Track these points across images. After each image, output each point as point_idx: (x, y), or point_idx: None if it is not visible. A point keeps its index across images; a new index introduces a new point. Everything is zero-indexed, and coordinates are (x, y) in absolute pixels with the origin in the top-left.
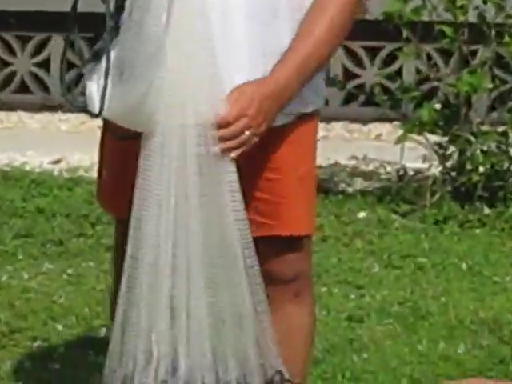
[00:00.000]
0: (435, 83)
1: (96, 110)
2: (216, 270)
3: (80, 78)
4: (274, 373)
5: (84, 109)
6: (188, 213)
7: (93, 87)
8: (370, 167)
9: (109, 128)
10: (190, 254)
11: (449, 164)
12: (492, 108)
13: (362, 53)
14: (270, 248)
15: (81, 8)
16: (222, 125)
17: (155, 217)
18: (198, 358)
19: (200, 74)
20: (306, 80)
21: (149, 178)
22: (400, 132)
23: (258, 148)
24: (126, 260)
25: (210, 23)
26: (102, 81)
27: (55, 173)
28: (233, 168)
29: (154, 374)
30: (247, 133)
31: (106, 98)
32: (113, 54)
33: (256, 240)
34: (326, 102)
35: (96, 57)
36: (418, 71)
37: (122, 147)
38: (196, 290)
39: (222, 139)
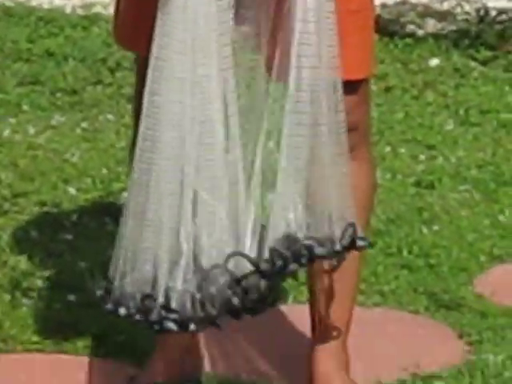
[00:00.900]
0: None
1: None
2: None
3: None
4: (346, 225)
5: None
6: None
7: None
8: (445, 6)
9: None
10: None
11: None
12: None
13: None
14: None
15: None
16: None
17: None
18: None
19: None
20: None
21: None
22: None
23: None
24: (138, 141)
25: None
26: None
27: (67, 9)
28: None
29: (183, 275)
30: None
31: None
32: None
33: None
34: None
35: None
36: None
37: None
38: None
39: None
